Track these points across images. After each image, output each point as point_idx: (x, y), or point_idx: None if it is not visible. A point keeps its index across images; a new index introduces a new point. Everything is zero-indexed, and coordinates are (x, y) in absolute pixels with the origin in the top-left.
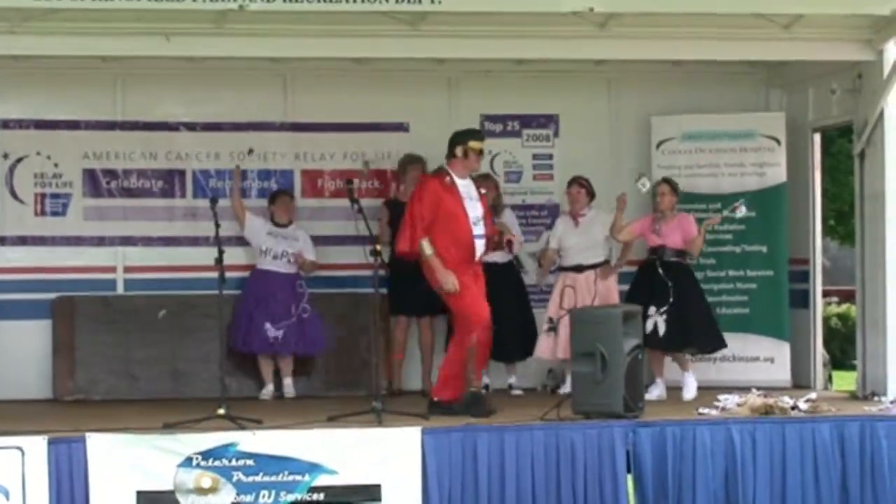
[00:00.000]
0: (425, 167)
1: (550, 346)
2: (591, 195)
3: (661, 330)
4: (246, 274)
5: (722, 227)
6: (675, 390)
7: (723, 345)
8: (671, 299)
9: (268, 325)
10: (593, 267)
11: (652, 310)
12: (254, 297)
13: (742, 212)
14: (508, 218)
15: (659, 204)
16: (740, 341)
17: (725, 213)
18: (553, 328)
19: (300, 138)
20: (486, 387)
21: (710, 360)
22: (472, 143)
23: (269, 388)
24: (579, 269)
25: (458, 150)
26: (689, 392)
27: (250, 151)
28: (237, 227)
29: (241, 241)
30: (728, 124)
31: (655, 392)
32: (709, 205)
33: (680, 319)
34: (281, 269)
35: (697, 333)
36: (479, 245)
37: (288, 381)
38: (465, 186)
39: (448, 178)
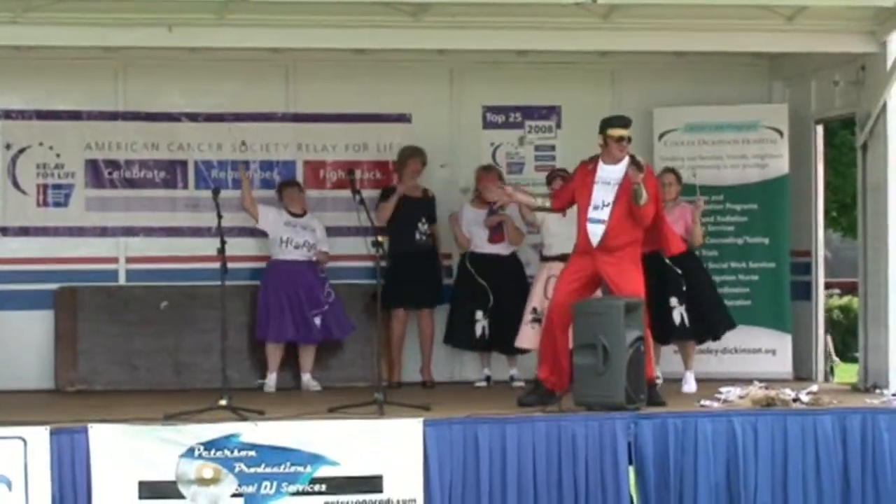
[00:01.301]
0: (425, 159)
1: (534, 337)
2: None
3: (687, 320)
4: (254, 265)
5: (724, 218)
6: (673, 382)
7: (733, 324)
8: (684, 288)
9: (314, 313)
10: None
11: (673, 301)
12: (281, 288)
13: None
14: (514, 211)
15: (665, 194)
16: (742, 333)
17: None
18: (537, 319)
19: (302, 129)
20: (488, 378)
21: (711, 351)
22: (610, 131)
23: (272, 378)
24: (564, 258)
25: (600, 139)
26: (690, 386)
27: (243, 144)
28: (243, 218)
29: (246, 232)
30: (731, 116)
31: (686, 387)
32: (711, 196)
33: (698, 307)
34: (303, 257)
35: (716, 318)
36: (593, 230)
37: (308, 377)
38: (609, 171)
39: (592, 165)
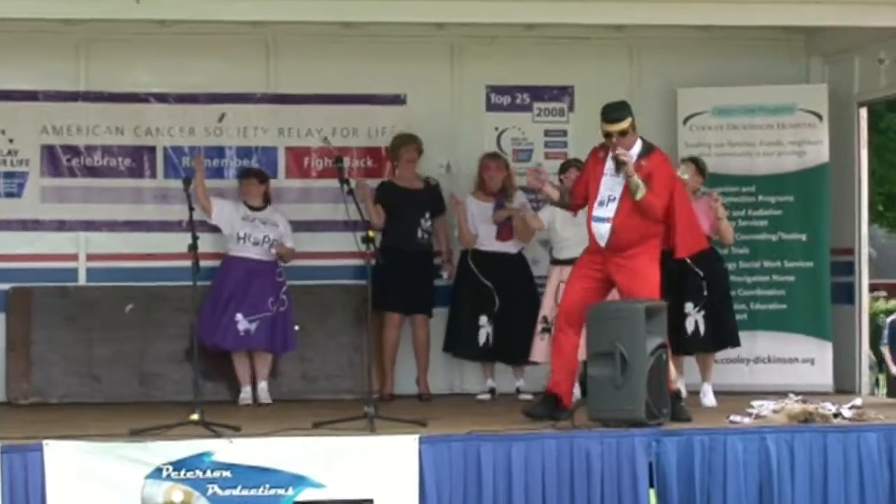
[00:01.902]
0: (420, 146)
1: (546, 349)
2: None
3: (703, 329)
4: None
5: (756, 212)
6: (693, 395)
7: (737, 343)
8: (705, 293)
9: (239, 317)
10: None
11: (689, 307)
12: (227, 287)
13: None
14: (521, 202)
15: (683, 184)
16: (777, 341)
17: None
18: (547, 329)
19: (284, 111)
20: (492, 391)
21: (742, 360)
22: (602, 124)
23: (247, 391)
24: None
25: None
26: (709, 399)
27: (222, 117)
28: (203, 212)
29: (217, 227)
30: (764, 97)
31: (705, 399)
32: (742, 187)
33: (716, 314)
34: (260, 256)
35: (730, 331)
36: (598, 230)
37: (263, 385)
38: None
39: (603, 152)
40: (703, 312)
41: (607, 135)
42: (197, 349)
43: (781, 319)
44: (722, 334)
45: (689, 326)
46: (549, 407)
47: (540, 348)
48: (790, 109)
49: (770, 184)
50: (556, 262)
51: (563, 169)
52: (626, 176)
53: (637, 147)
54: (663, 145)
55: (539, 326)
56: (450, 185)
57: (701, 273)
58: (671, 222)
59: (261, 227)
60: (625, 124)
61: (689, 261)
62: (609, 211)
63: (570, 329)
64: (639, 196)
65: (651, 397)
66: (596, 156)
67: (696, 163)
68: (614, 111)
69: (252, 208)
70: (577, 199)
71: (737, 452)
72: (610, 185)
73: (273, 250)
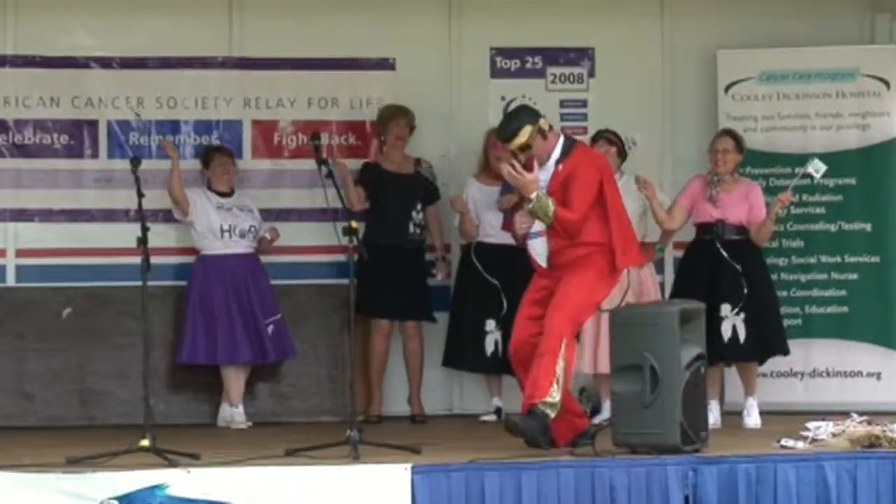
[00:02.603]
0: (412, 121)
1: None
2: (623, 155)
3: (742, 334)
4: (184, 259)
5: (812, 197)
6: (734, 415)
7: (786, 352)
8: (745, 291)
9: (262, 326)
10: None
11: (726, 309)
12: (220, 293)
13: (817, 171)
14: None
15: (717, 164)
16: (836, 351)
17: (795, 182)
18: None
19: (251, 79)
20: (499, 411)
21: (795, 374)
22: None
23: (238, 410)
24: None
25: None
26: (754, 419)
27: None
28: (175, 210)
29: (173, 216)
30: (820, 61)
31: (748, 419)
32: (794, 168)
33: (757, 318)
34: (246, 249)
35: (776, 337)
36: (534, 248)
37: (239, 409)
38: (544, 173)
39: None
40: (742, 315)
41: (513, 154)
42: (148, 362)
43: (842, 325)
44: (767, 340)
45: (727, 332)
46: (540, 426)
47: None
48: (851, 75)
49: (828, 163)
50: None
51: (594, 141)
52: (526, 204)
53: (557, 151)
54: (701, 117)
55: None
56: (445, 169)
57: (739, 267)
58: (610, 227)
59: (240, 215)
60: (523, 137)
61: (725, 253)
62: (541, 225)
63: (526, 371)
64: (547, 221)
65: (687, 418)
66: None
67: (734, 136)
68: (507, 125)
69: (221, 194)
70: None
71: (789, 484)
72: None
73: (269, 236)
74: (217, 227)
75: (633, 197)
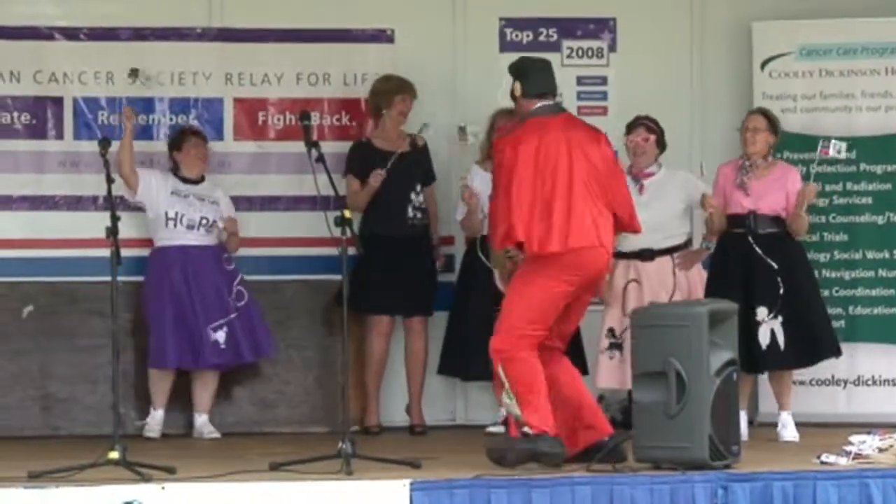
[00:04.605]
0: (414, 97)
1: (615, 372)
2: (662, 145)
3: (782, 340)
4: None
5: (857, 186)
6: (767, 427)
7: (839, 352)
8: (781, 291)
9: (207, 329)
10: (669, 252)
11: (762, 312)
12: (169, 289)
13: (839, 152)
14: None
15: (746, 144)
16: (883, 356)
17: (815, 169)
18: (617, 344)
19: (232, 51)
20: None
21: (837, 383)
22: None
23: (159, 416)
24: (648, 255)
25: None
26: (790, 432)
27: (133, 73)
28: (124, 188)
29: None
30: (867, 33)
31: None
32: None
33: (797, 319)
34: (200, 241)
35: (824, 336)
36: None
37: (203, 419)
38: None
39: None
40: (780, 318)
41: None
42: (119, 366)
43: (889, 328)
44: (812, 345)
45: (764, 338)
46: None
47: (608, 370)
48: None
49: (875, 149)
50: (621, 255)
51: (630, 129)
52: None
53: None
54: (734, 97)
55: (606, 342)
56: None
57: (775, 265)
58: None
59: (196, 204)
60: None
61: (758, 249)
62: None
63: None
64: (509, 267)
65: (716, 430)
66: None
67: (767, 116)
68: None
69: (186, 181)
70: None
71: (830, 502)
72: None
73: (221, 225)
74: (163, 213)
75: (677, 189)
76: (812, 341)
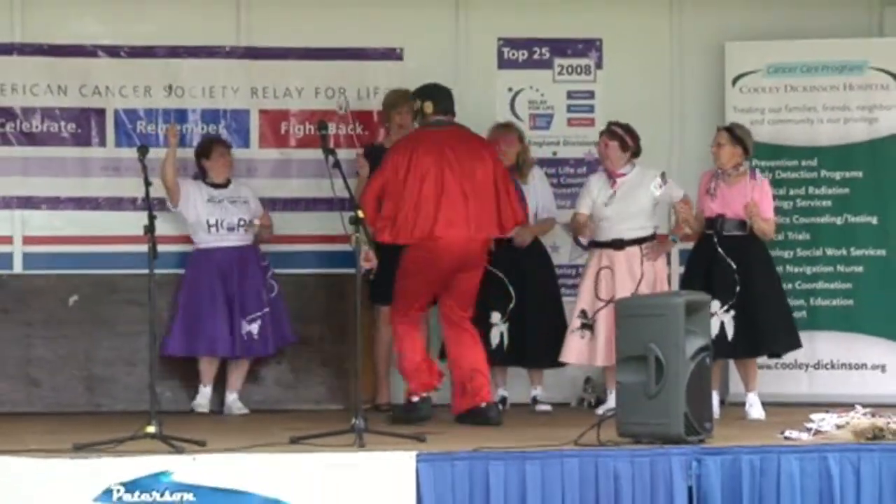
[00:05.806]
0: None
1: (584, 350)
2: (631, 150)
3: (730, 332)
4: (189, 248)
5: (818, 190)
6: (737, 406)
7: (797, 345)
8: (738, 289)
9: (243, 321)
10: (638, 242)
11: (715, 305)
12: (209, 286)
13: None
14: (538, 179)
15: (714, 158)
16: (841, 343)
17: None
18: (588, 325)
19: (258, 68)
20: (503, 400)
21: (800, 366)
22: None
23: (205, 395)
24: (619, 244)
25: None
26: (757, 411)
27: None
28: (167, 199)
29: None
30: (828, 53)
31: (752, 411)
32: (801, 161)
33: (748, 315)
34: (238, 242)
35: (771, 331)
36: None
37: (234, 397)
38: None
39: None
40: (732, 312)
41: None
42: (157, 350)
43: (847, 317)
44: (762, 338)
45: (714, 328)
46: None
47: (576, 348)
48: (860, 68)
49: (835, 157)
50: (594, 244)
51: (599, 135)
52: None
53: None
54: (708, 110)
55: (577, 321)
56: None
57: (734, 264)
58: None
59: (230, 208)
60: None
61: (720, 250)
62: None
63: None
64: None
65: (691, 409)
66: None
67: (730, 131)
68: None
69: (215, 186)
70: None
71: (792, 475)
72: None
73: (257, 223)
74: (204, 221)
75: (646, 188)
76: (759, 336)
